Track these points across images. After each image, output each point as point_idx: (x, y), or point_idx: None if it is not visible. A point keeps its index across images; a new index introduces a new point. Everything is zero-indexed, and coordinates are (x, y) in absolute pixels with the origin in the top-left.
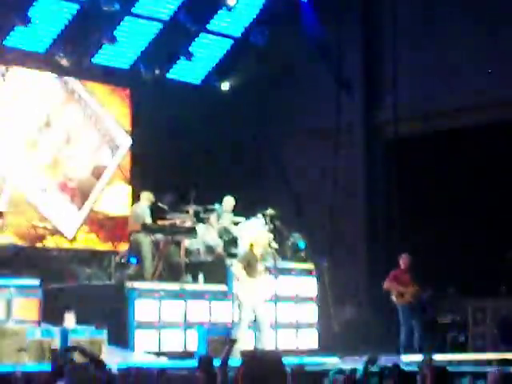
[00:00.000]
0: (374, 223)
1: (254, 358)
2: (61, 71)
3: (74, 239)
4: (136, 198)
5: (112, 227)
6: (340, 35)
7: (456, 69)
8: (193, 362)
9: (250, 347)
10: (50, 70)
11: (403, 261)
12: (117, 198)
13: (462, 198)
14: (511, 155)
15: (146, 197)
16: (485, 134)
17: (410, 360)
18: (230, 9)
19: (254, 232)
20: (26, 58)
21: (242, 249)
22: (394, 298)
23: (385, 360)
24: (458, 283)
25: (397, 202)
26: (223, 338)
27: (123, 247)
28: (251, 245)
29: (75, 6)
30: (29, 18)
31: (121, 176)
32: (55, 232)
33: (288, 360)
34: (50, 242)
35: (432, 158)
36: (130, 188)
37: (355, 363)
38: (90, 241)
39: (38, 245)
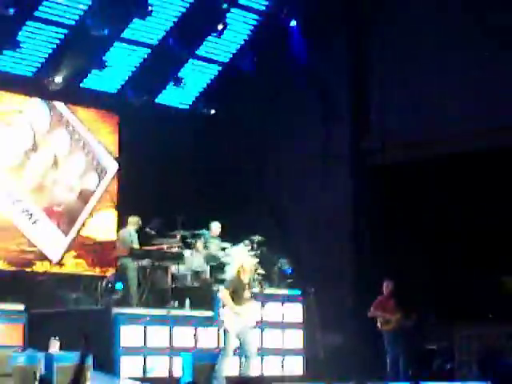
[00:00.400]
0: (360, 249)
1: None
2: (49, 95)
3: (61, 264)
4: (123, 223)
5: (100, 252)
6: (327, 61)
7: (443, 97)
8: None
9: (235, 374)
10: (38, 95)
11: (386, 287)
12: (104, 223)
13: (448, 224)
14: (497, 182)
15: (134, 221)
16: (471, 161)
17: None
18: (218, 34)
19: (241, 258)
20: (13, 82)
21: (228, 275)
22: (379, 325)
23: None
24: (444, 310)
25: (383, 228)
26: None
27: (111, 272)
28: (238, 271)
29: (64, 31)
30: (17, 42)
31: (108, 201)
32: (42, 257)
33: None
34: (39, 267)
35: (419, 185)
36: (116, 213)
37: None
38: (78, 266)
39: (27, 270)
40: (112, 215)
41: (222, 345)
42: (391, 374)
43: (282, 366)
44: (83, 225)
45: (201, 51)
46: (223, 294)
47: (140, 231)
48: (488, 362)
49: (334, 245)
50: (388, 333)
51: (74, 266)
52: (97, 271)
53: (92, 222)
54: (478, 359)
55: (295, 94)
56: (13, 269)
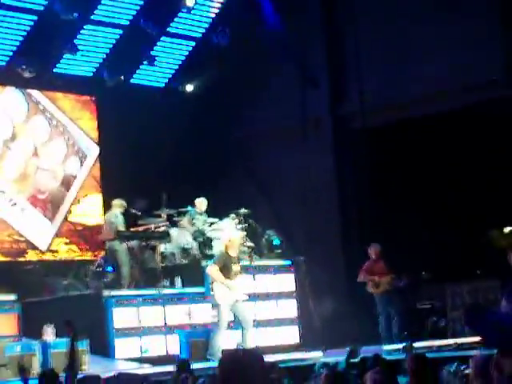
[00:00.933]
0: (346, 214)
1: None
2: (24, 83)
3: (53, 251)
4: (108, 206)
5: (90, 237)
6: (302, 28)
7: (419, 56)
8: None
9: (230, 347)
10: (13, 84)
11: (373, 250)
12: (91, 207)
13: (431, 185)
14: (477, 141)
15: (118, 204)
16: (449, 121)
17: (391, 349)
18: (189, 10)
19: (228, 233)
20: None
21: (216, 250)
22: (369, 288)
23: (366, 351)
24: (433, 269)
25: (368, 192)
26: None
27: (100, 256)
28: (226, 246)
29: (33, 18)
30: None
31: (93, 185)
32: (33, 246)
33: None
34: (32, 256)
35: (400, 147)
36: (101, 196)
37: (338, 356)
38: (70, 252)
39: (20, 259)
40: (98, 199)
41: (215, 319)
42: (385, 336)
43: (278, 336)
44: (70, 211)
45: (172, 28)
46: (212, 269)
47: (126, 213)
48: (472, 316)
49: (320, 211)
50: (379, 295)
51: (66, 252)
52: (89, 255)
53: (79, 207)
54: (463, 314)
55: (271, 63)
56: (8, 259)
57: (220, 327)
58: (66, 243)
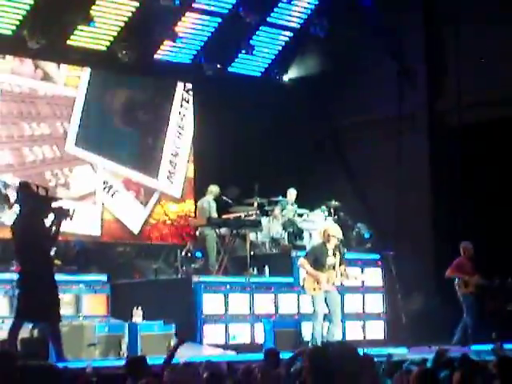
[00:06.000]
0: (438, 211)
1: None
2: (123, 69)
3: (142, 235)
4: (199, 193)
5: (180, 222)
6: (401, 22)
7: None
8: (260, 355)
9: (323, 339)
10: (111, 68)
11: (465, 249)
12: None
13: None
14: None
15: (213, 190)
16: None
17: (480, 350)
18: (289, 1)
19: (325, 225)
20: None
21: (311, 242)
22: (457, 287)
23: (454, 350)
24: None
25: (461, 189)
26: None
27: (191, 241)
28: (323, 237)
29: (135, 4)
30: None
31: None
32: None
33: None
34: (124, 238)
35: (496, 145)
36: (192, 183)
37: (423, 353)
38: (161, 236)
39: (112, 241)
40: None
41: (311, 310)
42: (473, 337)
43: (363, 330)
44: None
45: (272, 18)
46: (302, 262)
47: (219, 200)
48: None
49: (412, 207)
50: (466, 295)
51: (157, 236)
52: (178, 240)
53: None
54: None
55: (368, 56)
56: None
57: (316, 317)
58: (154, 227)
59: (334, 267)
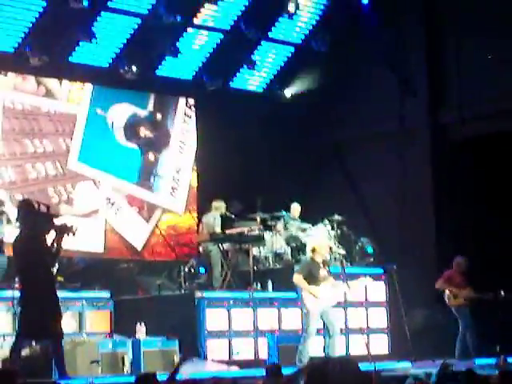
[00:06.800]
0: (441, 226)
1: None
2: (126, 84)
3: (145, 251)
4: (202, 208)
5: (183, 237)
6: (402, 36)
7: None
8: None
9: (319, 354)
10: (115, 83)
11: (458, 263)
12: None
13: None
14: None
15: (218, 206)
16: None
17: (484, 364)
18: (290, 16)
19: (314, 240)
20: None
21: (303, 257)
22: (446, 299)
23: (458, 364)
24: None
25: (464, 204)
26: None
27: (193, 257)
28: (311, 252)
29: (137, 21)
30: None
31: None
32: (128, 244)
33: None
34: (127, 254)
35: (499, 159)
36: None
37: (427, 368)
38: (164, 252)
39: (115, 257)
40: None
41: (304, 326)
42: (475, 351)
43: (367, 345)
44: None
45: (273, 33)
46: (296, 278)
47: (224, 216)
48: None
49: (415, 221)
50: (462, 309)
51: (160, 252)
52: (182, 256)
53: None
54: None
55: (369, 70)
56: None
57: (309, 334)
58: (161, 243)
59: (327, 279)
